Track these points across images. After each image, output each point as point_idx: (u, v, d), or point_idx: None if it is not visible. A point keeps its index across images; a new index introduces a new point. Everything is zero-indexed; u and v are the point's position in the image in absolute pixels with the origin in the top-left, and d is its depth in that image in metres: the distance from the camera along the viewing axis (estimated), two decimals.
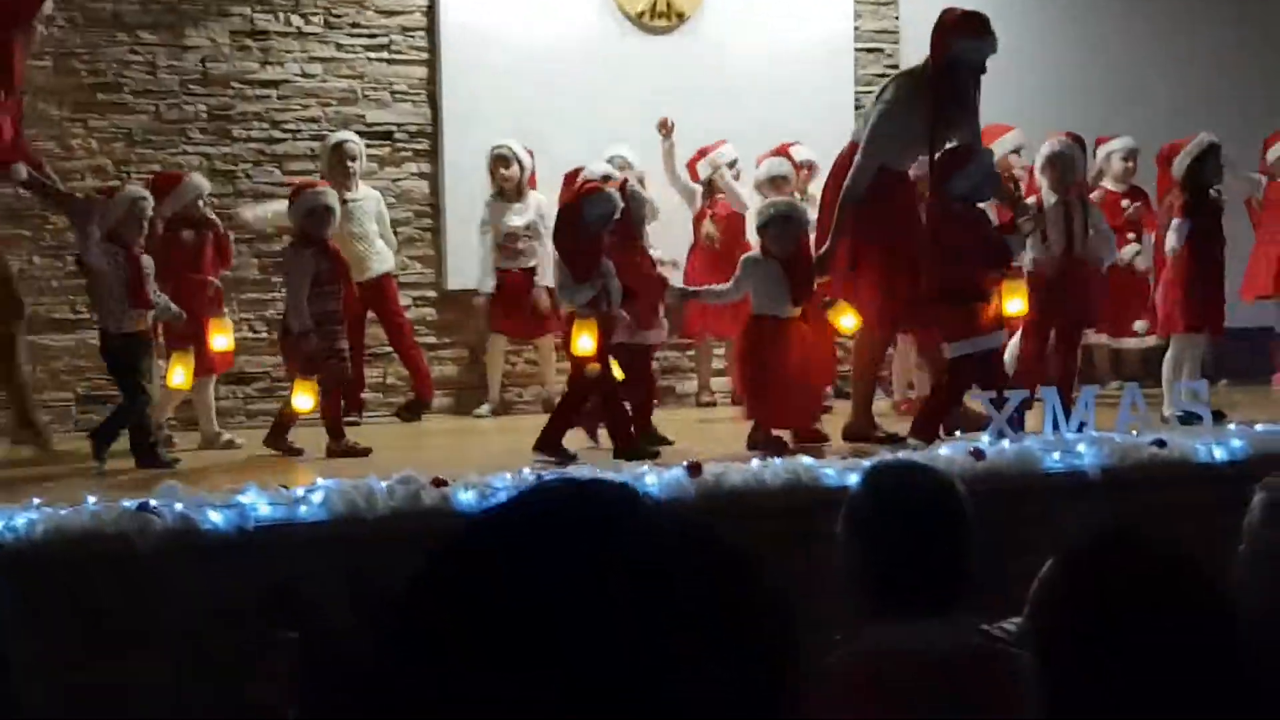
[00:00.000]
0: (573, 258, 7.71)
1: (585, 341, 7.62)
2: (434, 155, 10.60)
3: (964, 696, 2.96)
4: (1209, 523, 4.24)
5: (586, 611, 1.07)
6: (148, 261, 7.83)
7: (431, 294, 10.63)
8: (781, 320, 7.80)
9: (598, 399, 7.71)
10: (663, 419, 8.53)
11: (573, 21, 10.86)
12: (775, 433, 7.74)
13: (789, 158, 10.25)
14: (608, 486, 1.17)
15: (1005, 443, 7.12)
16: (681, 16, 11.09)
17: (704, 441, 8.08)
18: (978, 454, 6.87)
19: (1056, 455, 7.01)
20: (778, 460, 6.72)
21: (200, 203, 8.73)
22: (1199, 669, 2.01)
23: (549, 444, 7.52)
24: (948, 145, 8.04)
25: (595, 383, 7.66)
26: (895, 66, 11.45)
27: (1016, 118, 10.36)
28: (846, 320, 8.10)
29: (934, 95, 7.95)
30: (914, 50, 10.96)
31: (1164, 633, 2.00)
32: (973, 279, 7.89)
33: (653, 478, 6.36)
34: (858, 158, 8.01)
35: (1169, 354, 9.16)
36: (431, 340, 10.50)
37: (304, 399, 8.08)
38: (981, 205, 8.16)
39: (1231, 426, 7.59)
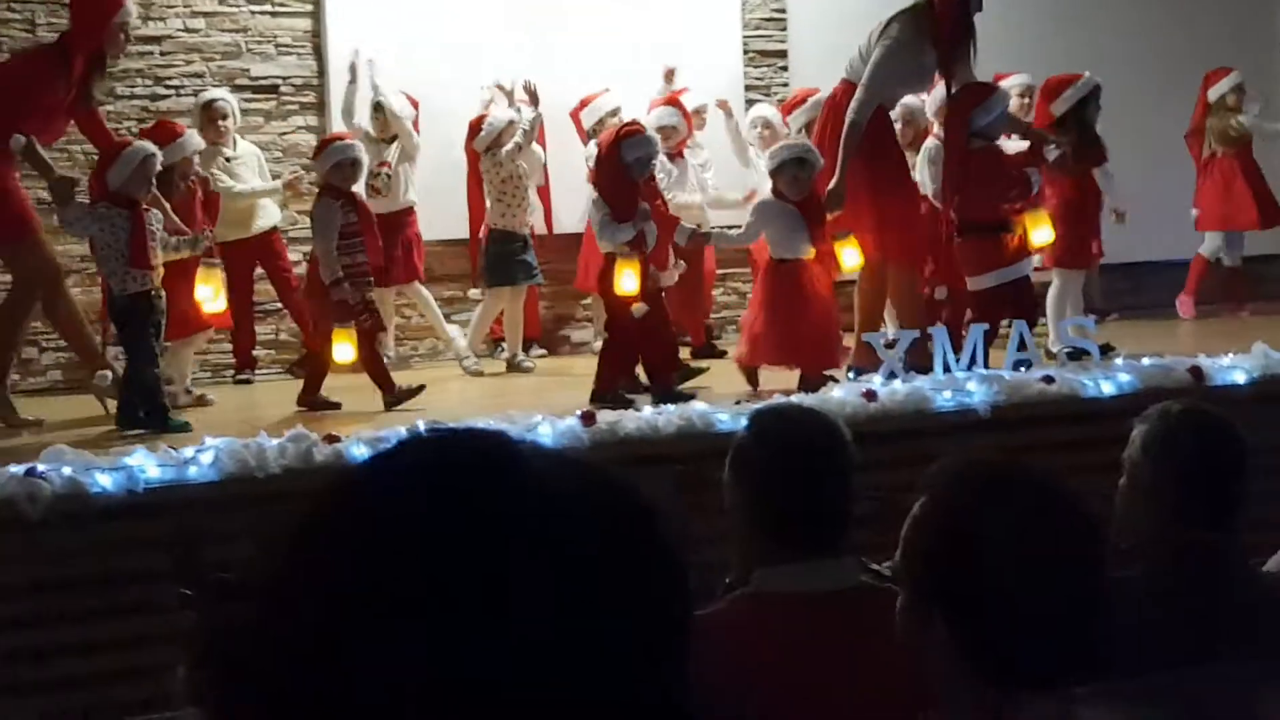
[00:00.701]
0: (613, 198, 7.88)
1: (630, 281, 7.77)
2: (320, 108, 10.49)
3: (850, 634, 2.98)
4: (1096, 457, 4.32)
5: (463, 563, 1.06)
6: (155, 217, 7.75)
7: None
8: (801, 262, 7.99)
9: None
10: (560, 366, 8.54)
11: None
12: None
13: (679, 106, 10.24)
14: (482, 435, 1.16)
15: (897, 383, 7.17)
16: None
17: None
18: (870, 395, 6.92)
19: (947, 394, 7.07)
20: (671, 407, 6.73)
21: (196, 159, 8.71)
22: (1066, 598, 2.04)
23: (604, 392, 7.61)
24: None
25: (639, 323, 7.78)
26: (783, 11, 11.50)
27: None
28: (851, 257, 8.18)
29: (935, 34, 8.14)
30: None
31: (1031, 562, 2.03)
32: (996, 211, 8.17)
33: (547, 427, 6.36)
34: (860, 93, 8.10)
35: (1052, 290, 9.29)
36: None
37: (344, 349, 7.93)
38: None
39: (1119, 361, 7.69)
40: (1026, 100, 10.17)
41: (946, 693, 2.13)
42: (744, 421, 3.46)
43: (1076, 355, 7.95)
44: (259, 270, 9.64)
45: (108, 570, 5.59)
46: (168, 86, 10.18)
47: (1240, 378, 7.46)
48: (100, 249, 7.59)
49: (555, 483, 1.13)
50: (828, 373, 7.80)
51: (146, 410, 7.43)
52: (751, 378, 8.06)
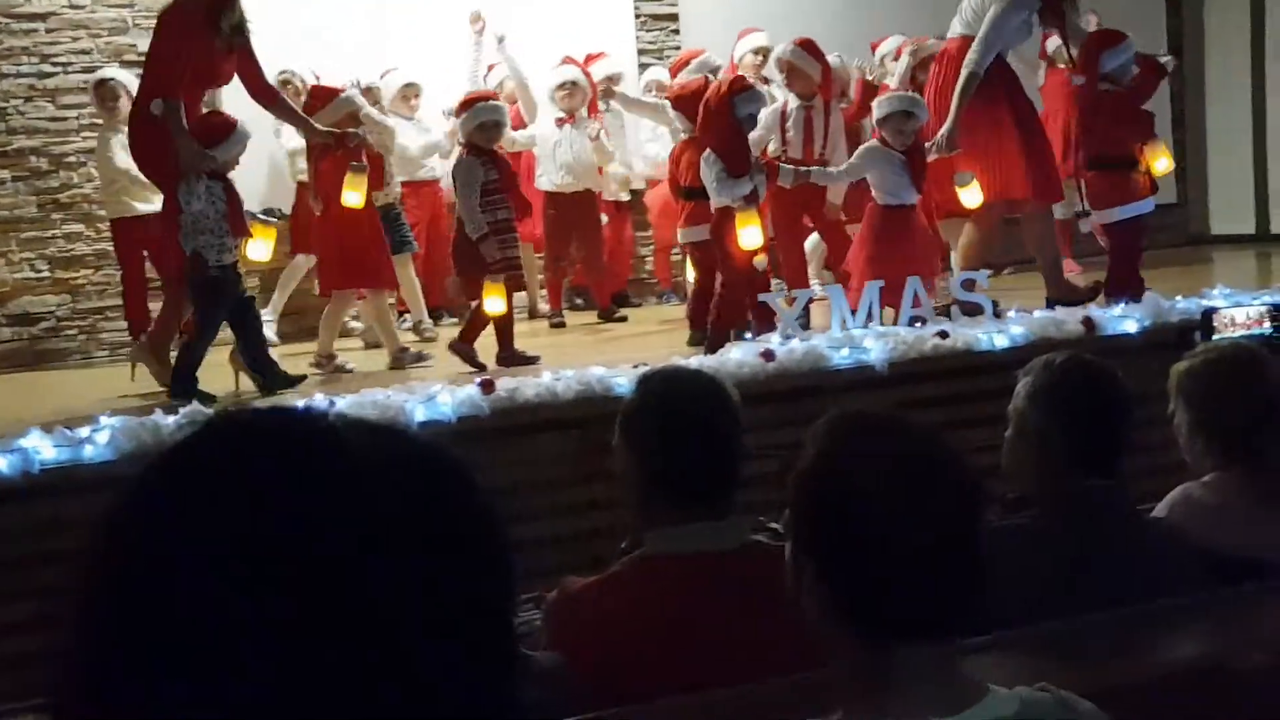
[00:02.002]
0: (727, 154, 7.99)
1: (753, 234, 7.91)
2: None
3: (742, 593, 3.01)
4: (992, 408, 4.37)
5: (274, 542, 1.04)
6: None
7: None
8: (907, 208, 8.34)
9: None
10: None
11: None
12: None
13: (581, 66, 10.25)
14: (288, 413, 1.15)
15: (795, 342, 7.21)
16: None
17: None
18: (768, 355, 6.96)
19: (844, 352, 7.12)
20: (569, 372, 6.74)
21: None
22: (943, 549, 2.07)
23: (717, 344, 7.70)
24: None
25: (750, 275, 7.98)
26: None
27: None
28: (972, 196, 8.63)
29: None
30: None
31: (906, 512, 2.06)
32: (1124, 147, 8.59)
33: (446, 396, 6.35)
34: (978, 45, 8.57)
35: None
36: None
37: (495, 301, 8.00)
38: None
39: (1012, 314, 7.77)
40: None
41: (828, 646, 2.16)
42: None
43: (970, 310, 8.02)
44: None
45: (4, 555, 5.54)
46: (54, 64, 10.07)
47: (1131, 327, 7.56)
48: (196, 220, 7.46)
49: (367, 456, 1.11)
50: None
51: (178, 379, 7.38)
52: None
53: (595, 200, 10.39)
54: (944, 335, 7.31)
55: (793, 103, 9.35)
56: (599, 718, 2.76)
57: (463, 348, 7.99)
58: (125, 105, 9.36)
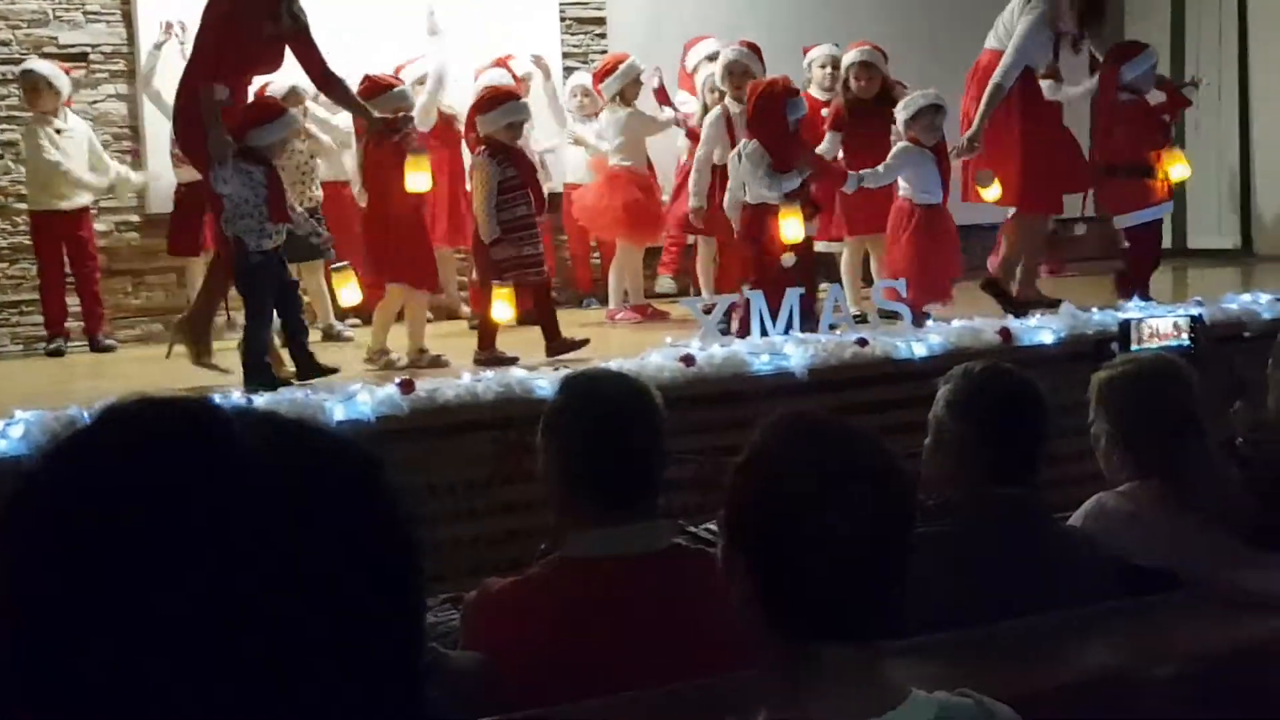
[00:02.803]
0: (776, 150, 8.20)
1: (795, 227, 8.14)
2: (131, 76, 10.27)
3: (661, 596, 3.02)
4: (909, 416, 4.41)
5: (160, 532, 1.02)
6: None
7: (134, 219, 10.32)
8: (935, 206, 8.67)
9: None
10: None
11: None
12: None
13: (508, 69, 10.20)
14: (182, 403, 1.13)
15: (715, 347, 7.23)
16: None
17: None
18: (688, 360, 6.97)
19: (765, 358, 7.15)
20: (489, 373, 6.73)
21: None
22: (870, 551, 2.09)
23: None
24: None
25: (790, 271, 8.09)
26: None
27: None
28: (992, 191, 8.97)
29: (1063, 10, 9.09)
30: None
31: (836, 513, 2.07)
32: (1141, 154, 8.99)
33: (365, 395, 6.32)
34: (1008, 58, 8.93)
35: (844, 256, 9.48)
36: (137, 266, 10.23)
37: (502, 307, 7.92)
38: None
39: (930, 323, 7.83)
40: (828, 70, 10.29)
41: (754, 644, 2.17)
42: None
43: (888, 317, 8.08)
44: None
45: None
46: None
47: (1048, 338, 7.65)
48: (236, 205, 7.36)
49: (264, 450, 1.09)
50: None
51: (251, 371, 7.26)
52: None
53: None
54: (863, 343, 7.36)
55: (735, 108, 9.21)
56: (517, 719, 2.76)
57: (486, 356, 7.87)
58: (50, 99, 9.30)
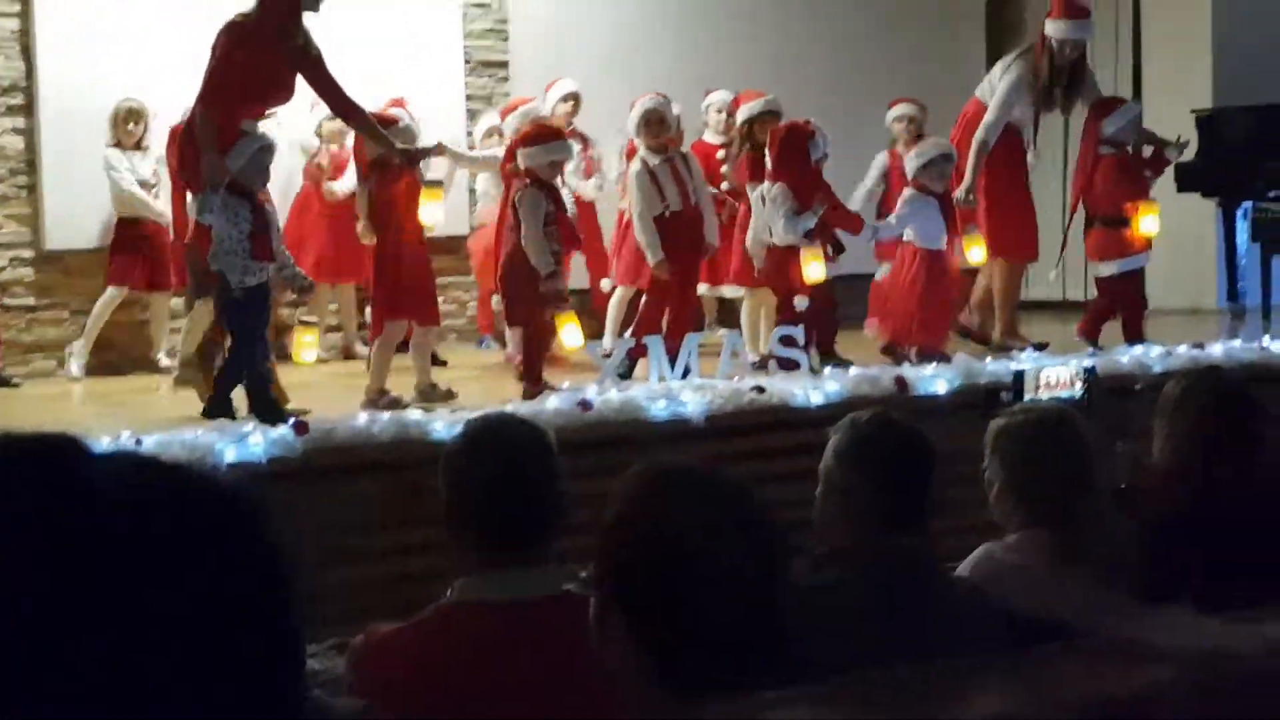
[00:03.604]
0: (799, 190, 8.50)
1: (816, 269, 8.47)
2: (29, 110, 10.16)
3: (551, 642, 3.00)
4: (807, 463, 4.41)
5: (14, 574, 1.02)
6: (271, 211, 7.65)
7: (29, 254, 10.18)
8: (942, 252, 8.95)
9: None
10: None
11: None
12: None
13: (406, 111, 10.15)
14: (43, 440, 1.11)
15: (613, 392, 7.23)
16: None
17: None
18: (585, 405, 6.96)
19: (662, 404, 7.15)
20: (385, 415, 6.69)
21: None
22: (747, 602, 2.08)
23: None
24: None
25: (810, 311, 8.49)
26: (504, 21, 11.52)
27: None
28: (976, 253, 9.36)
29: (1040, 71, 9.70)
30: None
31: (710, 564, 2.06)
32: (1120, 207, 9.30)
33: (258, 436, 6.26)
34: (990, 115, 9.58)
35: (745, 304, 9.54)
36: (30, 302, 10.10)
37: (572, 331, 8.10)
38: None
39: (827, 370, 7.86)
40: (721, 115, 10.36)
41: (631, 697, 2.15)
42: (458, 429, 3.47)
43: (786, 365, 8.11)
44: None
45: None
46: None
47: (941, 387, 7.70)
48: (220, 240, 7.32)
49: (121, 487, 1.08)
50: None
51: (258, 405, 7.19)
52: (897, 356, 8.75)
53: None
54: (760, 390, 7.38)
55: (653, 159, 9.17)
56: None
57: (535, 390, 7.77)
58: None
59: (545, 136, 8.39)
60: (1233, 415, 4.32)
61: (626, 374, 7.81)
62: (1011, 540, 3.89)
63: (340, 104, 8.05)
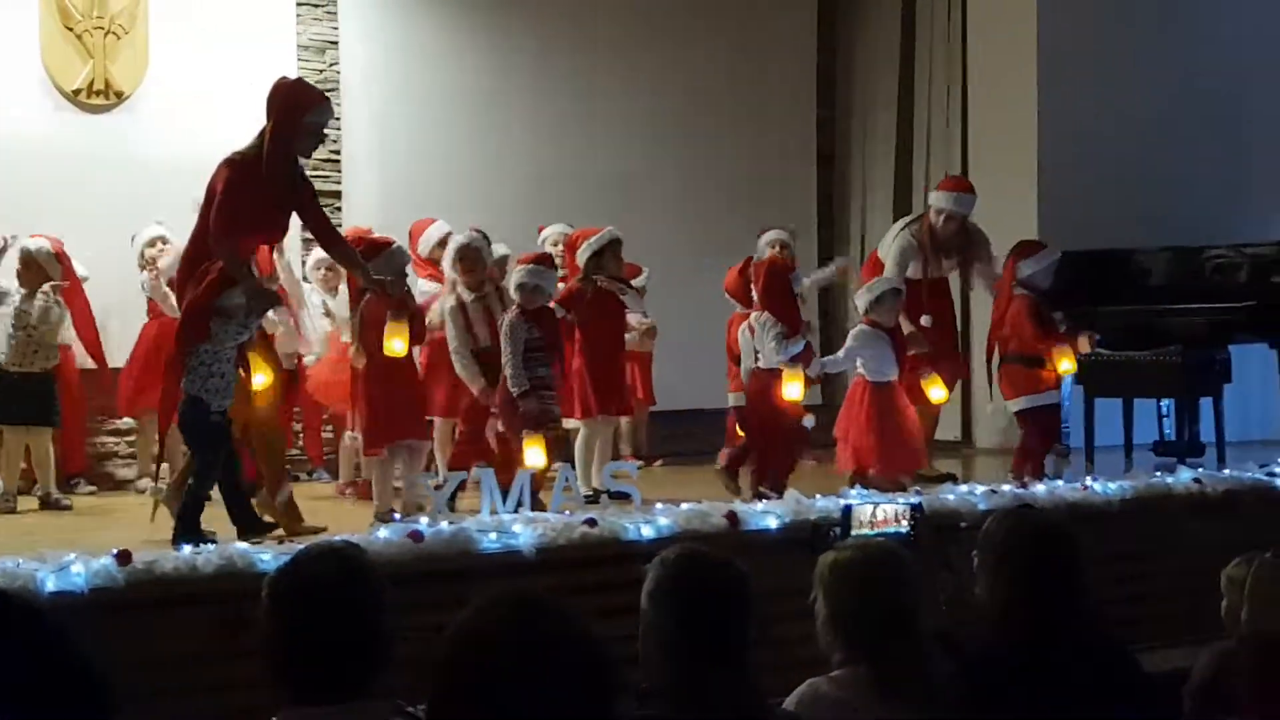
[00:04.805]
0: (785, 316, 8.94)
1: (794, 389, 8.86)
2: None
3: None
4: (636, 598, 4.42)
5: None
6: None
7: None
8: (892, 384, 9.39)
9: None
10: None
11: (7, 98, 10.51)
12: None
13: None
14: None
15: (444, 524, 7.19)
16: (121, 95, 10.87)
17: None
18: (416, 536, 6.91)
19: (493, 536, 7.12)
20: (210, 546, 6.59)
21: None
22: None
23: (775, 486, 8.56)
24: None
25: (789, 431, 8.94)
26: (338, 152, 11.57)
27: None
28: (937, 392, 9.90)
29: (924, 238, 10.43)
30: (355, 137, 11.19)
31: (545, 697, 2.07)
32: (1030, 346, 9.69)
33: (80, 566, 6.12)
34: (888, 272, 10.20)
35: (579, 437, 9.59)
36: None
37: (535, 453, 8.45)
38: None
39: (658, 505, 7.88)
40: (558, 249, 10.48)
41: None
42: (283, 560, 3.43)
43: (618, 498, 8.14)
44: None
45: None
46: None
47: (772, 523, 7.74)
48: (209, 365, 7.51)
49: None
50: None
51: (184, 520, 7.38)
52: (864, 482, 9.01)
53: None
54: (593, 523, 7.38)
55: (467, 295, 9.25)
56: None
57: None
58: None
59: (528, 260, 8.93)
60: (1053, 555, 4.38)
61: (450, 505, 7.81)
62: (835, 675, 3.93)
63: (326, 238, 8.45)
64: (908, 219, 10.98)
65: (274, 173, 7.86)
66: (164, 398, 7.88)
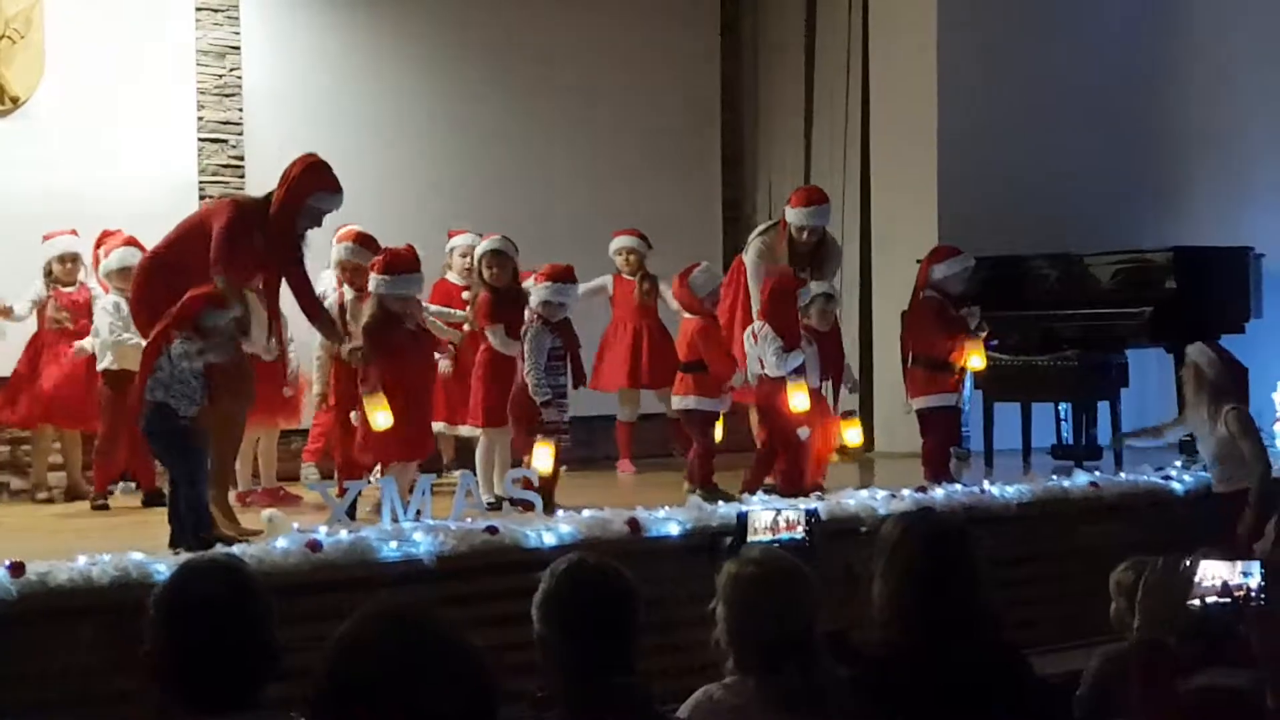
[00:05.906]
0: (785, 331, 9.19)
1: (800, 399, 9.15)
2: None
3: None
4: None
5: None
6: None
7: None
8: (813, 390, 9.44)
9: None
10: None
11: None
12: None
13: (140, 247, 10.00)
14: None
15: (343, 533, 7.14)
16: (16, 100, 10.74)
17: None
18: (314, 545, 6.86)
19: (394, 544, 7.08)
20: (106, 557, 6.50)
21: None
22: None
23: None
24: None
25: (794, 437, 9.18)
26: (240, 157, 11.47)
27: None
28: (853, 434, 10.00)
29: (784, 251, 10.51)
30: (257, 141, 11.11)
31: (421, 710, 2.07)
32: (935, 347, 9.81)
33: None
34: (752, 287, 10.36)
35: (480, 445, 9.60)
36: None
37: (544, 454, 8.62)
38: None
39: (560, 513, 7.88)
40: (466, 259, 10.49)
41: None
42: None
43: (520, 505, 8.14)
44: None
45: None
46: None
47: (674, 529, 7.77)
48: (176, 376, 7.52)
49: None
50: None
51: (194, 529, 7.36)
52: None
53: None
54: (493, 531, 7.36)
55: (349, 294, 9.50)
56: None
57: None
58: None
59: (551, 276, 9.05)
60: (947, 556, 4.40)
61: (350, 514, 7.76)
62: (729, 682, 3.94)
63: (304, 300, 8.82)
64: (763, 227, 11.06)
65: (273, 236, 8.48)
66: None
